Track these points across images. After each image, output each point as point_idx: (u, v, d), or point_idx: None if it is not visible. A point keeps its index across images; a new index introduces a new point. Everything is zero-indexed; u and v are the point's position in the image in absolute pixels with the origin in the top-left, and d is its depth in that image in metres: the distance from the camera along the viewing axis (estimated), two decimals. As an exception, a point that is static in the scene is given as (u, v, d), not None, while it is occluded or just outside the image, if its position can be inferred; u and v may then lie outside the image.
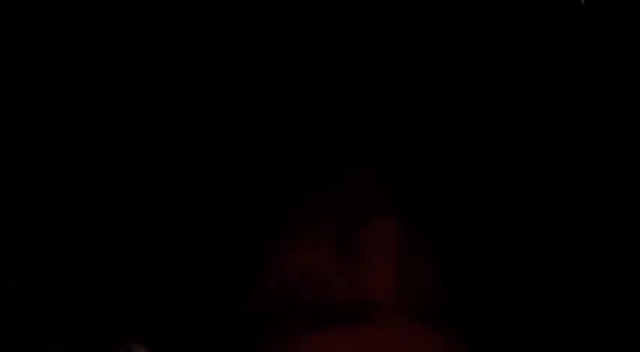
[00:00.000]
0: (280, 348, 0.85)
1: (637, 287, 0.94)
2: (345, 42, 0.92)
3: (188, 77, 0.95)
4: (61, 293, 0.96)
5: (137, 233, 0.97)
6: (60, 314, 0.95)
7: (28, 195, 0.96)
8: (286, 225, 0.91)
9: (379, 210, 0.88)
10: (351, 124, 0.93)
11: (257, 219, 0.92)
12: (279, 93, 0.93)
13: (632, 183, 0.96)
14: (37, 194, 0.96)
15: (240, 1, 0.94)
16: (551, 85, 0.97)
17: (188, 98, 0.95)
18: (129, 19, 0.95)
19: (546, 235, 0.94)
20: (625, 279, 0.95)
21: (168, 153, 0.95)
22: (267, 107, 0.93)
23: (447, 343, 0.87)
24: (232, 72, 0.94)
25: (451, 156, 0.94)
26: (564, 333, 0.94)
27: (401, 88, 0.94)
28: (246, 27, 0.94)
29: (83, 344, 0.96)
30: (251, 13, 0.94)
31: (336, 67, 0.92)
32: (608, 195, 0.96)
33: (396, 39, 0.93)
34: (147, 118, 0.97)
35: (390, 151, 0.93)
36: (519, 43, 0.95)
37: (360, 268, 0.86)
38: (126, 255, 0.97)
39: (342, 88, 0.92)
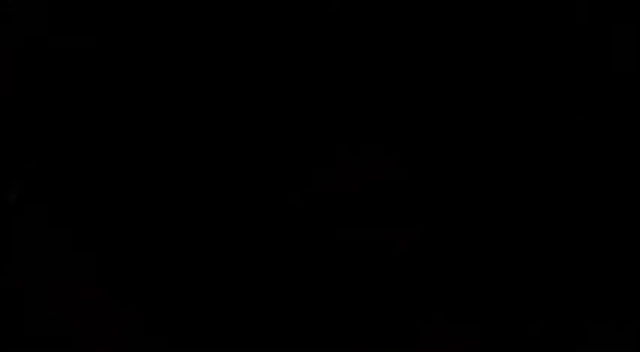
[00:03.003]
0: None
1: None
2: (351, 34, 0.92)
3: (193, 65, 0.95)
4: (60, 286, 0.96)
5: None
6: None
7: (28, 194, 0.96)
8: (297, 209, 0.91)
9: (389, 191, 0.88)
10: (362, 110, 0.92)
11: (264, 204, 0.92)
12: (289, 84, 0.92)
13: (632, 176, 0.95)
14: (37, 193, 0.96)
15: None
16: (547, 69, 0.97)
17: (198, 82, 0.94)
18: (126, 19, 0.95)
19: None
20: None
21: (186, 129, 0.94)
22: (279, 97, 0.92)
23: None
24: (241, 59, 0.93)
25: (465, 141, 0.94)
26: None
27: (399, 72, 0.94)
28: (250, 17, 0.94)
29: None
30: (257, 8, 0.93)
31: (342, 56, 0.92)
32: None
33: (400, 28, 0.93)
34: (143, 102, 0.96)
35: (401, 136, 0.93)
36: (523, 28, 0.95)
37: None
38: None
39: (343, 77, 0.92)
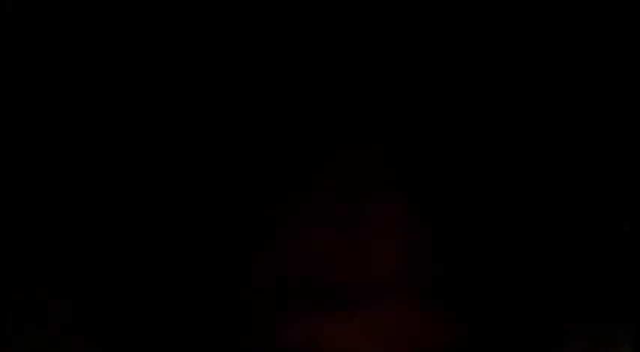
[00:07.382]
0: (281, 328, 0.85)
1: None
2: (348, 23, 0.92)
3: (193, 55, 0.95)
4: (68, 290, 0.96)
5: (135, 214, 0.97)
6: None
7: (27, 194, 0.96)
8: (288, 202, 0.90)
9: (382, 187, 0.88)
10: (354, 99, 0.92)
11: (257, 197, 0.92)
12: (280, 72, 0.93)
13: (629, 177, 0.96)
14: (36, 193, 0.96)
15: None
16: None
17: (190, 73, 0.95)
18: (124, 17, 0.96)
19: (548, 220, 0.95)
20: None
21: (166, 129, 0.94)
22: (268, 85, 0.92)
23: (447, 324, 0.87)
24: (234, 49, 0.94)
25: (457, 134, 0.94)
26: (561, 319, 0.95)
27: (405, 64, 0.94)
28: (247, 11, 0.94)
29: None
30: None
31: (338, 47, 0.93)
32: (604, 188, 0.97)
33: (398, 17, 0.94)
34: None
35: (393, 127, 0.94)
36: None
37: (362, 246, 0.86)
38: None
39: (343, 65, 0.93)
